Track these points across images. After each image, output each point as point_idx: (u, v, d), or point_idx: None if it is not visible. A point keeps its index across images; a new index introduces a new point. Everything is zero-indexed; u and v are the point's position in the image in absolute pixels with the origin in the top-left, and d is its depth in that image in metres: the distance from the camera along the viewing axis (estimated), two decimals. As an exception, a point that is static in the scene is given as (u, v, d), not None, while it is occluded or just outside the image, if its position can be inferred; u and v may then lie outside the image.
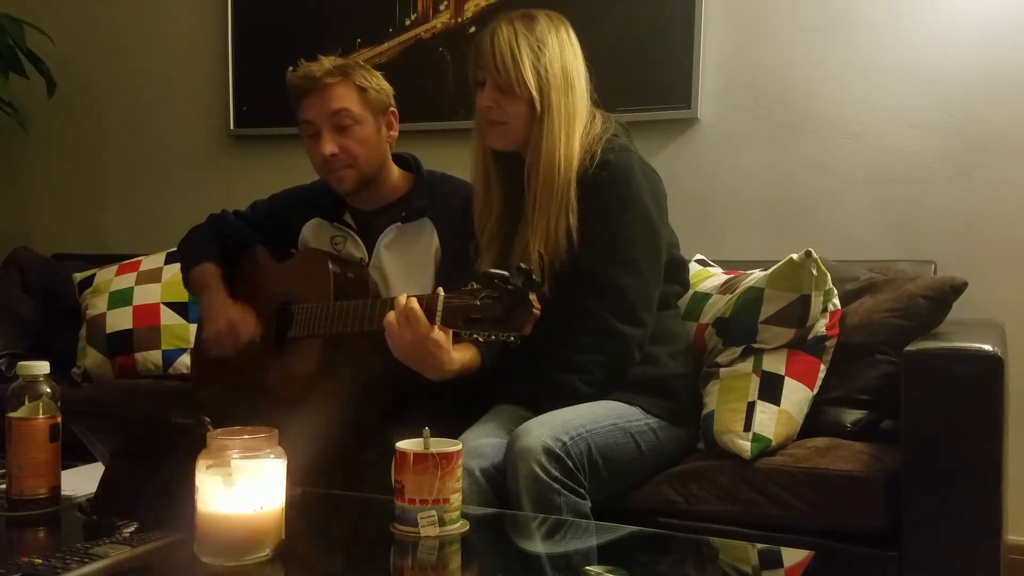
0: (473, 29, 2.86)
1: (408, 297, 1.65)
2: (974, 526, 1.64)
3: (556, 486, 1.62)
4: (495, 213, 1.94)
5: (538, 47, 1.86)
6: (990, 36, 2.40)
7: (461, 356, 1.74)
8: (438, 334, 1.64)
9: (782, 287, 1.92)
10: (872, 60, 2.51)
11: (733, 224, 2.63)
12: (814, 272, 1.90)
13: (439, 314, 1.59)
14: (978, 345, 1.68)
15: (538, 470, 1.61)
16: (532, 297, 1.50)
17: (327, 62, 1.98)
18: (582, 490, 1.66)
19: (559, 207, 1.82)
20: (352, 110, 1.95)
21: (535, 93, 1.84)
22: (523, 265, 1.52)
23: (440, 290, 1.62)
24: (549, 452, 1.63)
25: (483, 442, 1.73)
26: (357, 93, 1.96)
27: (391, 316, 1.66)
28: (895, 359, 1.90)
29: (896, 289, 2.04)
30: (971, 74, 2.42)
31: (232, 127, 3.23)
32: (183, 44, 3.31)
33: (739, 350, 1.95)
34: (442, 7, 2.90)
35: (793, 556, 1.37)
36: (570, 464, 1.65)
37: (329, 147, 1.94)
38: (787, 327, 1.92)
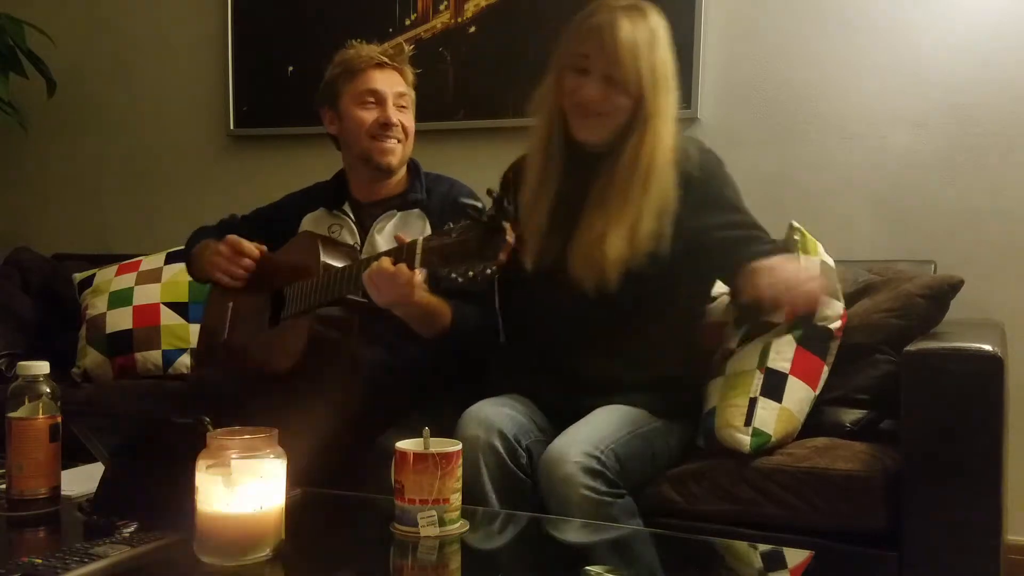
0: (473, 29, 2.86)
1: (384, 259, 1.71)
2: (974, 526, 1.64)
3: (608, 499, 1.63)
4: (547, 206, 1.88)
5: (652, 42, 1.80)
6: (990, 36, 2.40)
7: (429, 297, 1.80)
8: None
9: None
10: (872, 60, 2.51)
11: (733, 224, 2.63)
12: (797, 238, 2.00)
13: (419, 257, 1.62)
14: (978, 345, 1.68)
15: (588, 493, 1.62)
16: (506, 225, 1.50)
17: (390, 48, 2.12)
18: (624, 491, 1.69)
19: (652, 208, 1.79)
20: (409, 96, 2.12)
21: (647, 92, 1.79)
22: (492, 191, 1.53)
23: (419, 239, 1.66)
24: (590, 471, 1.63)
25: (502, 411, 1.77)
26: (409, 85, 2.13)
27: (375, 271, 1.71)
28: (894, 359, 1.90)
29: (894, 289, 2.04)
30: (971, 74, 2.42)
31: (232, 127, 3.23)
32: (183, 44, 3.31)
33: (740, 332, 1.98)
34: (442, 7, 2.90)
35: (793, 556, 1.37)
36: (610, 475, 1.66)
37: (396, 115, 2.07)
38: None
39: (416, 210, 2.10)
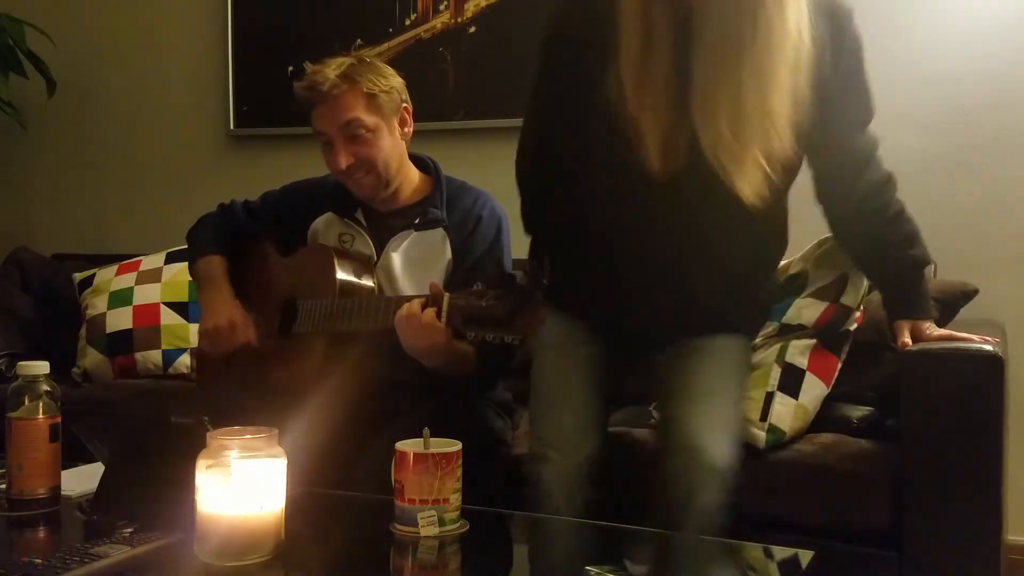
0: (473, 29, 2.86)
1: (416, 302, 1.65)
2: (974, 526, 1.64)
3: (724, 511, 1.53)
4: (661, 76, 1.47)
5: None
6: (990, 36, 2.40)
7: (455, 349, 1.74)
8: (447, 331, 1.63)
9: (825, 266, 1.96)
10: (872, 60, 2.49)
11: (733, 224, 2.63)
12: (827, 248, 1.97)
13: (444, 314, 1.59)
14: (978, 345, 1.68)
15: (715, 507, 1.51)
16: (539, 298, 1.48)
17: (331, 70, 1.90)
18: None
19: (759, 79, 1.42)
20: (363, 119, 1.89)
21: None
22: (532, 265, 1.50)
23: (444, 290, 1.62)
24: (725, 476, 1.52)
25: (568, 430, 1.64)
26: (366, 100, 1.90)
27: (405, 318, 1.66)
28: (901, 356, 1.90)
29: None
30: (971, 74, 2.42)
31: (232, 127, 3.23)
32: (183, 44, 3.31)
33: (770, 328, 1.96)
34: (442, 7, 2.90)
35: (794, 555, 1.37)
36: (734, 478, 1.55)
37: (344, 159, 1.90)
38: (822, 300, 1.93)
39: (437, 230, 1.98)
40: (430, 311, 1.63)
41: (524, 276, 1.49)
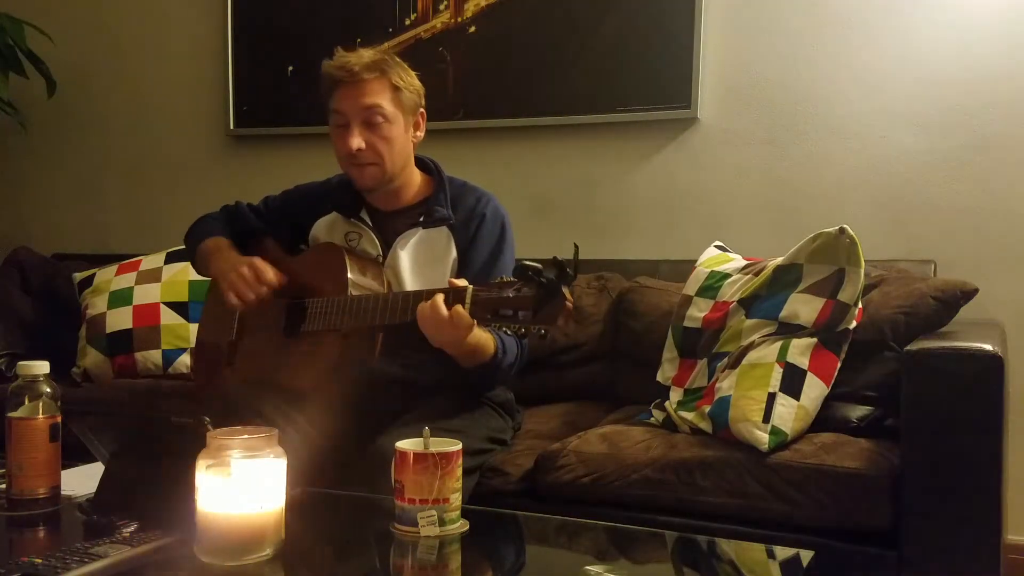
0: (473, 29, 2.86)
1: (438, 296, 1.65)
2: (974, 526, 1.64)
3: None
4: None
5: None
6: (989, 36, 2.40)
7: (475, 336, 1.75)
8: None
9: (820, 261, 1.96)
10: (872, 60, 2.51)
11: (733, 224, 2.64)
12: (847, 241, 1.94)
13: (468, 307, 1.59)
14: (978, 345, 1.68)
15: None
16: (565, 290, 1.49)
17: (366, 55, 1.94)
18: None
19: None
20: (385, 108, 1.93)
21: None
22: (558, 257, 1.50)
23: (465, 283, 1.62)
24: None
25: None
26: (391, 92, 1.94)
27: (430, 313, 1.65)
28: (901, 355, 1.90)
29: (906, 286, 2.05)
30: (971, 74, 2.42)
31: (232, 127, 3.23)
32: (183, 44, 3.31)
33: (769, 327, 1.96)
34: (442, 7, 2.91)
35: (794, 555, 1.37)
36: None
37: (357, 141, 1.92)
38: (819, 296, 1.93)
39: (442, 228, 1.98)
40: (461, 311, 1.63)
41: (549, 268, 1.49)
